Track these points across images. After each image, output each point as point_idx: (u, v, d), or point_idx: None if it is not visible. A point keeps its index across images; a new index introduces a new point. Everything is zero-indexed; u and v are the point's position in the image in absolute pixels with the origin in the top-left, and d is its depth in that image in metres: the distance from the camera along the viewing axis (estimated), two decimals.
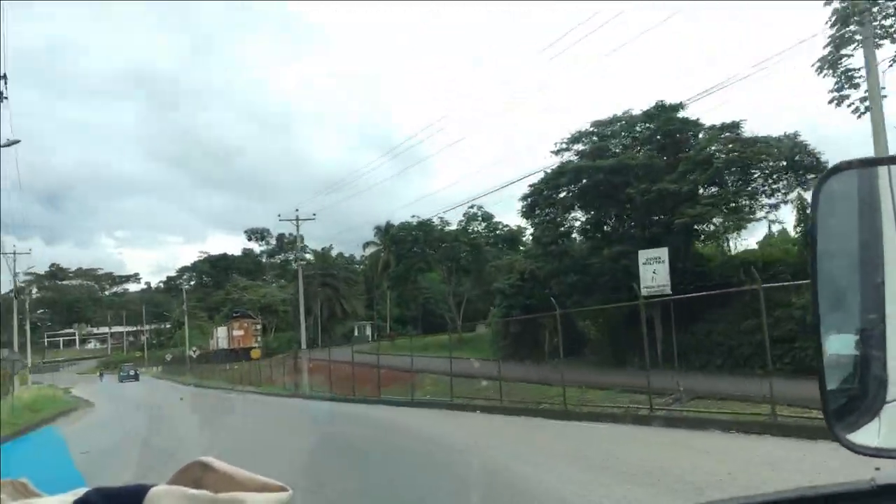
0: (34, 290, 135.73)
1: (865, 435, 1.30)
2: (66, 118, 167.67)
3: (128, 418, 25.96)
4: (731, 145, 24.79)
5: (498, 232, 51.23)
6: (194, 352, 56.44)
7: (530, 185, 29.68)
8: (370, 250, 74.57)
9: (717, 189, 25.34)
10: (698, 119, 27.12)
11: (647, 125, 27.95)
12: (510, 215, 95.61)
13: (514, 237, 50.82)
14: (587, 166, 27.06)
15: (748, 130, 25.59)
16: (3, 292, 77.88)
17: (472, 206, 50.13)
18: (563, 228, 30.26)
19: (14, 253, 38.89)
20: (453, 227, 51.17)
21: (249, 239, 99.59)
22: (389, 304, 74.40)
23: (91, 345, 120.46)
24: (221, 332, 61.64)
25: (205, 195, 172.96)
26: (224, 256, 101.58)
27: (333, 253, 76.78)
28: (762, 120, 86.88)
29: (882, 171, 1.40)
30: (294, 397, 35.05)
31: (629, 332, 22.92)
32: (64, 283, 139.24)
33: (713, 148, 25.18)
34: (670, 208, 25.22)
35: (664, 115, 27.39)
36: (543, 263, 30.84)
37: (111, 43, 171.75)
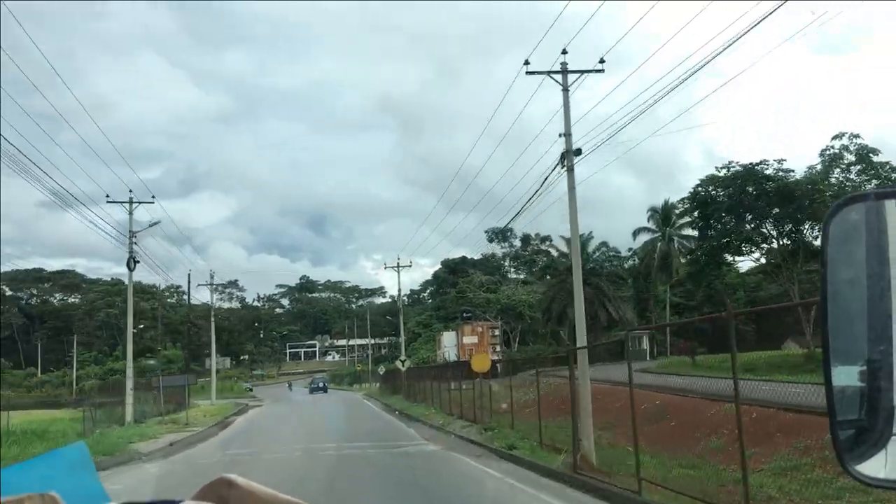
0: (286, 302, 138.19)
1: (873, 466, 1.32)
2: (327, 149, 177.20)
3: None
4: None
5: (880, 180, 30.81)
6: (402, 363, 42.72)
7: None
8: (643, 238, 56.82)
9: None
10: None
11: None
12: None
13: None
14: None
15: None
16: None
17: (838, 136, 30.68)
18: None
19: (130, 201, 26.88)
20: (798, 174, 32.04)
21: (490, 241, 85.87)
22: (669, 308, 56.01)
23: (330, 357, 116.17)
24: (448, 339, 47.80)
25: (452, 216, 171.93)
26: (463, 260, 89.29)
27: (594, 244, 59.82)
28: None
29: (890, 204, 1.40)
30: (564, 484, 13.07)
31: None
32: (313, 295, 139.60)
33: None
34: None
35: None
36: None
37: (366, 77, 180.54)
